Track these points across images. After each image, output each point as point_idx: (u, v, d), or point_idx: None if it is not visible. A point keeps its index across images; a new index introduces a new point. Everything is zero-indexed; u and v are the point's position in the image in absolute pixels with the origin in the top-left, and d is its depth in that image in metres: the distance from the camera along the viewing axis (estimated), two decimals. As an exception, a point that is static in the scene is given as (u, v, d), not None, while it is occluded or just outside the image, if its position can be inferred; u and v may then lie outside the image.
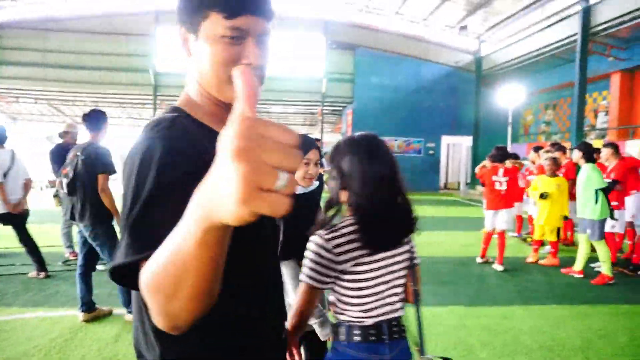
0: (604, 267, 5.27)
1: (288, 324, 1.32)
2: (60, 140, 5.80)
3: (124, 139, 23.19)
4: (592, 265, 5.79)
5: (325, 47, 18.66)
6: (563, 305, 4.55)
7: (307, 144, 2.07)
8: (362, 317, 1.35)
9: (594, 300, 4.70)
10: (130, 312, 3.79)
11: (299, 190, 2.09)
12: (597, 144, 12.85)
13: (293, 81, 18.73)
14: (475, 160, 19.29)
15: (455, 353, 3.34)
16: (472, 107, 19.21)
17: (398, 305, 1.42)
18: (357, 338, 1.35)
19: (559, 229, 6.44)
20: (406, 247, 1.44)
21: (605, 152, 6.22)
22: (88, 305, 3.76)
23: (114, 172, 3.73)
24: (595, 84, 14.28)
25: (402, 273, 1.43)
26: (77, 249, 4.19)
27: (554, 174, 6.16)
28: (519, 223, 8.19)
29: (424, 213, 8.59)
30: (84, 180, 3.62)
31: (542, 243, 6.58)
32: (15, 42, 17.34)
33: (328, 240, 1.32)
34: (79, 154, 3.63)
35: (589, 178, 5.33)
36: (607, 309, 4.42)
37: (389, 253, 1.38)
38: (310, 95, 19.10)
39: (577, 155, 5.52)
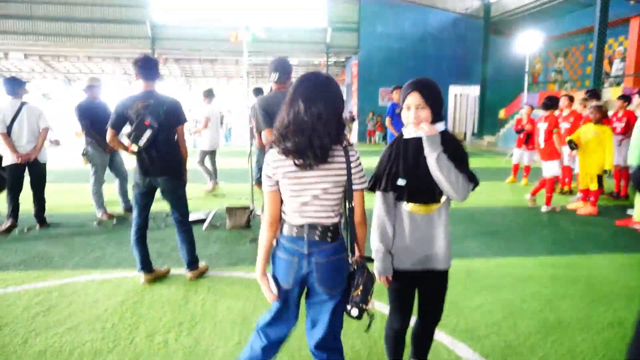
0: (637, 212, 5.21)
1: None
2: (84, 96, 5.47)
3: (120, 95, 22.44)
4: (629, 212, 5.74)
5: (328, -6, 17.79)
6: (620, 253, 4.49)
7: (406, 88, 1.95)
8: (292, 217, 1.77)
9: (650, 247, 4.65)
10: (192, 270, 3.64)
11: (410, 134, 1.96)
12: (612, 91, 12.62)
13: (296, 32, 17.99)
14: (483, 110, 19.04)
15: (536, 305, 3.27)
16: (480, 55, 18.69)
17: (324, 214, 1.76)
18: (286, 231, 1.78)
19: (600, 178, 6.30)
20: (334, 171, 1.73)
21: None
22: (148, 267, 3.60)
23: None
24: (612, 29, 13.82)
25: (329, 189, 1.74)
26: (129, 210, 3.97)
27: (598, 122, 5.98)
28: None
29: None
30: (166, 131, 3.41)
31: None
32: (-2, -6, 16.28)
33: (271, 156, 1.74)
34: (152, 102, 3.34)
35: None
36: (667, 256, 4.37)
37: (314, 173, 1.71)
38: (314, 46, 18.40)
39: (638, 101, 5.31)
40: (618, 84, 13.94)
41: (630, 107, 6.95)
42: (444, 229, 2.00)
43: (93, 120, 5.36)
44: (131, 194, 5.92)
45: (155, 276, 3.63)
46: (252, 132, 5.18)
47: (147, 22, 16.78)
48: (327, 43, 18.23)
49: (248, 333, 2.83)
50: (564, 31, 16.44)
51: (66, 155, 13.18)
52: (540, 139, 6.21)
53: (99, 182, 5.57)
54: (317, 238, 1.73)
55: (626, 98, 7.14)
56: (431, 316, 2.16)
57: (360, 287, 1.76)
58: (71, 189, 7.69)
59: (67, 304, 3.19)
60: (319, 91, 1.68)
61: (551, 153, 6.14)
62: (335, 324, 1.85)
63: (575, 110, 7.06)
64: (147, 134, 3.30)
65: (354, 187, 1.76)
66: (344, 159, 1.72)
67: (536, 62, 18.89)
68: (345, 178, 1.73)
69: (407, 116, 1.95)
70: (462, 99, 19.96)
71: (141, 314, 3.05)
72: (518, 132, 8.50)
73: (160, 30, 17.12)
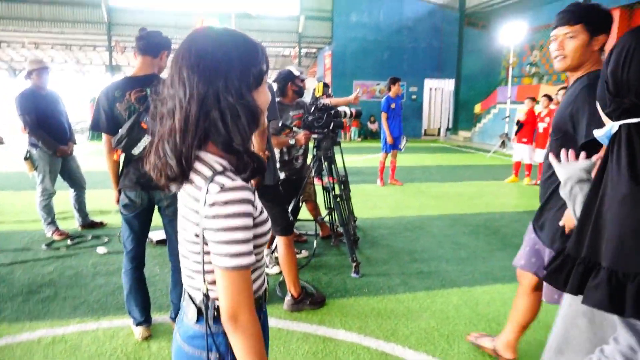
0: None
1: None
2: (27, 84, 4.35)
3: (73, 87, 20.52)
4: None
5: (300, -20, 16.82)
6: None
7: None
8: None
9: None
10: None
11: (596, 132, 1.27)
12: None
13: (266, 19, 16.91)
14: (458, 105, 18.68)
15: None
16: (455, 48, 18.29)
17: (185, 272, 1.06)
18: None
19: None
20: (184, 203, 0.99)
21: None
22: (149, 318, 2.68)
23: None
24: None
25: (180, 231, 1.03)
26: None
27: None
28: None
29: (432, 162, 7.89)
30: None
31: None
32: None
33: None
34: (151, 92, 2.39)
35: None
36: None
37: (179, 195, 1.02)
38: (285, 36, 17.37)
39: None
40: (596, 78, 13.83)
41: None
42: None
43: (39, 114, 4.26)
44: (91, 206, 4.93)
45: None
46: None
47: (103, 5, 15.21)
48: (299, 32, 17.26)
49: None
50: (542, 23, 16.22)
51: (10, 156, 11.62)
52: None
53: (47, 192, 4.46)
54: (184, 304, 1.08)
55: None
56: None
57: None
58: (13, 198, 6.45)
59: (-1, 386, 2.21)
60: (181, 59, 0.93)
61: None
62: None
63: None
64: (145, 141, 2.30)
65: (209, 259, 0.94)
66: (197, 194, 0.93)
67: (512, 55, 18.69)
68: (193, 227, 0.95)
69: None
70: (437, 93, 19.54)
71: (112, 400, 2.11)
72: (519, 127, 8.03)
73: (118, 14, 15.58)
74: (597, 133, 1.07)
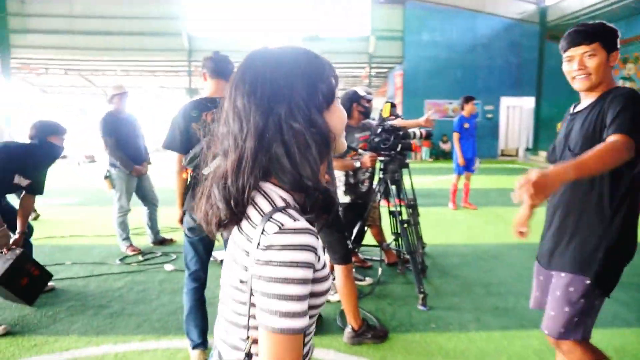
0: None
1: None
2: (110, 108, 4.66)
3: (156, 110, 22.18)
4: None
5: (370, 1, 16.87)
6: None
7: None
8: None
9: None
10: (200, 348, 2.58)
11: None
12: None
13: (336, 41, 17.12)
14: (538, 123, 17.51)
15: None
16: (535, 64, 17.26)
17: (224, 332, 0.87)
18: None
19: None
20: (236, 249, 0.82)
21: None
22: (206, 341, 2.62)
23: None
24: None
25: (229, 279, 0.84)
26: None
27: None
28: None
29: (510, 184, 7.22)
30: None
31: None
32: (39, 9, 16.19)
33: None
34: None
35: None
36: None
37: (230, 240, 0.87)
38: (356, 56, 17.44)
39: None
40: None
41: None
42: None
43: (118, 136, 4.54)
44: (163, 223, 5.13)
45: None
46: None
47: (184, 33, 16.34)
48: (370, 53, 17.26)
49: None
50: (636, 34, 14.86)
51: (98, 174, 12.67)
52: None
53: (123, 210, 4.70)
54: None
55: None
56: None
57: None
58: (96, 213, 6.92)
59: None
60: (235, 88, 0.83)
61: None
62: None
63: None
64: (217, 161, 2.32)
65: (255, 312, 0.77)
66: (252, 233, 0.78)
67: (599, 70, 17.31)
68: (240, 271, 0.80)
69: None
70: (515, 111, 18.48)
71: None
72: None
73: (197, 42, 16.63)
74: None
